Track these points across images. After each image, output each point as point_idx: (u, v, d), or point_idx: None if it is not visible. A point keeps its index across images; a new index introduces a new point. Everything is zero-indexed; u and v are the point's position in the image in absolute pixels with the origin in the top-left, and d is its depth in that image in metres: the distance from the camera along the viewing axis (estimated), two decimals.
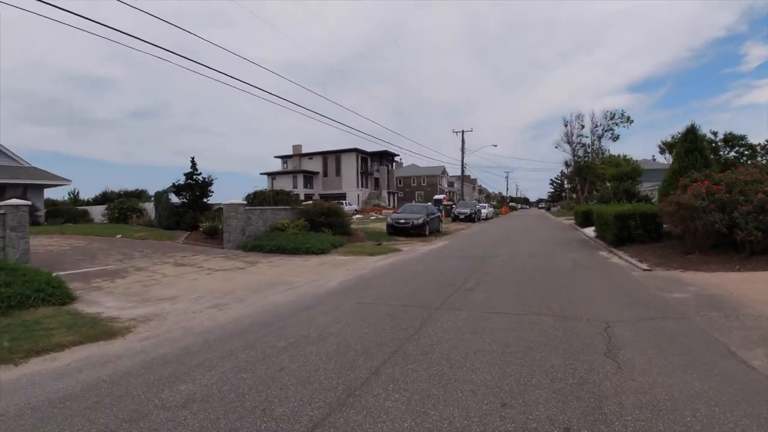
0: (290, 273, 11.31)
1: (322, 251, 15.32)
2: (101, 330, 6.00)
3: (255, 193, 20.45)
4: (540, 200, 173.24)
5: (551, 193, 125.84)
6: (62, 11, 10.81)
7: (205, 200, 24.88)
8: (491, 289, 8.59)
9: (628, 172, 37.01)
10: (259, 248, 16.01)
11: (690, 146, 15.93)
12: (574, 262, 12.55)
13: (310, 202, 21.41)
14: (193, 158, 24.96)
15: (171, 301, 8.08)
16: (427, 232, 22.75)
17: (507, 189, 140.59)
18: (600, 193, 64.73)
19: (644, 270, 10.99)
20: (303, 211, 20.15)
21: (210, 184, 25.50)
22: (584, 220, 26.10)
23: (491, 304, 7.25)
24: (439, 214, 26.81)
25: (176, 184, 24.95)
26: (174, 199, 25.30)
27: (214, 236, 18.73)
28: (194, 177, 25.15)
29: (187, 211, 24.42)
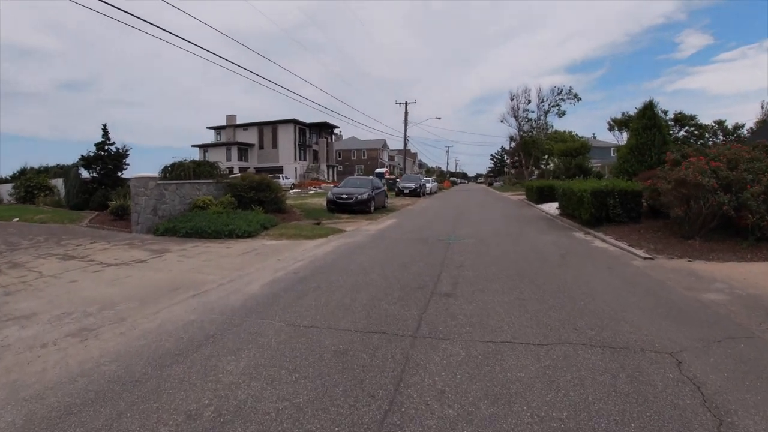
0: (203, 268, 8.63)
1: (249, 234, 12.64)
2: None
3: (173, 165, 17.26)
4: (479, 175, 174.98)
5: (491, 168, 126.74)
6: None
7: (119, 174, 21.42)
8: (478, 293, 6.29)
9: (576, 148, 36.08)
10: (173, 231, 13.14)
11: (648, 122, 15.50)
12: (556, 246, 10.55)
13: (238, 174, 18.45)
14: (104, 126, 21.37)
15: (23, 323, 5.46)
16: (372, 209, 20.40)
17: (447, 164, 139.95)
18: (548, 168, 64.74)
19: (645, 259, 9.19)
20: (230, 186, 17.24)
21: (125, 155, 21.96)
22: (539, 196, 24.56)
23: (492, 324, 4.96)
24: (384, 188, 24.47)
25: (85, 156, 21.28)
26: (86, 174, 21.75)
27: (123, 217, 15.64)
28: (106, 147, 21.54)
29: (97, 188, 20.90)
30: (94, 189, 20.81)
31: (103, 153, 21.39)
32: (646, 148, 15.38)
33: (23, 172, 33.53)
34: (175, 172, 17.00)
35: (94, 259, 9.77)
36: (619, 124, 45.58)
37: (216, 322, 5.22)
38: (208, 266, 8.78)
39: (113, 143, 21.65)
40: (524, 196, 32.34)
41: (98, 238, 13.07)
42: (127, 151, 22.14)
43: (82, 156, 21.30)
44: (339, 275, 7.52)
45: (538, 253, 9.65)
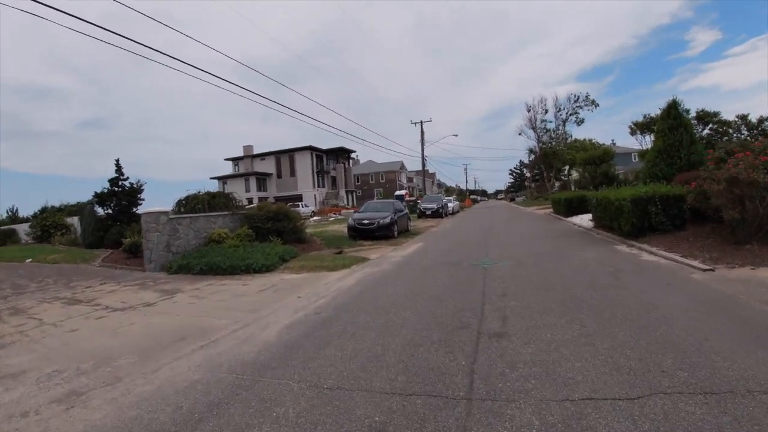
0: (215, 311, 7.80)
1: (267, 268, 11.83)
2: None
3: (187, 198, 16.69)
4: (498, 191, 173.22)
5: (511, 183, 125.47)
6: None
7: (134, 210, 21.01)
8: (533, 329, 5.31)
9: (599, 156, 34.96)
10: (188, 269, 12.42)
11: (674, 123, 14.94)
12: (602, 263, 9.50)
13: (254, 205, 17.78)
14: (117, 161, 21.11)
15: (8, 383, 4.85)
16: (395, 233, 19.48)
17: (466, 182, 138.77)
18: (570, 179, 63.29)
19: (704, 271, 8.21)
20: (246, 217, 16.56)
21: (139, 190, 21.63)
22: (568, 208, 23.44)
23: (562, 373, 3.97)
24: (406, 211, 23.55)
25: (99, 192, 20.97)
26: (102, 211, 21.40)
27: (138, 255, 15.03)
28: (120, 183, 21.23)
29: (112, 225, 20.48)
30: (109, 226, 20.39)
31: (117, 189, 21.05)
32: (674, 149, 14.76)
33: (43, 210, 33.53)
34: (189, 205, 16.41)
35: (100, 302, 9.13)
36: (641, 127, 44.15)
37: (223, 383, 4.34)
38: (221, 308, 7.95)
39: (127, 178, 21.33)
40: (550, 210, 31.18)
41: (109, 278, 12.46)
42: (141, 186, 21.78)
43: (96, 193, 21.00)
44: (366, 314, 6.60)
45: (586, 273, 8.62)
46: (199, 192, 16.91)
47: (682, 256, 9.53)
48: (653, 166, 15.38)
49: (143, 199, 21.79)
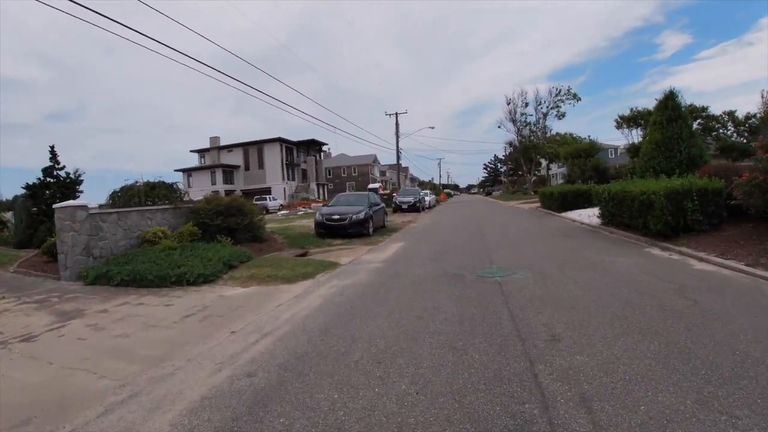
0: (106, 356, 5.03)
1: (205, 279, 8.99)
2: None
3: (122, 190, 13.69)
4: (470, 186, 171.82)
5: (485, 177, 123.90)
6: None
7: None
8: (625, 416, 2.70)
9: (585, 149, 32.94)
10: (107, 279, 9.49)
11: (672, 114, 14.43)
12: (653, 276, 6.98)
13: (202, 198, 14.81)
14: (52, 147, 17.61)
15: None
16: (371, 231, 16.75)
17: (440, 176, 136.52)
18: (549, 174, 61.57)
19: None
20: (192, 212, 13.62)
21: (78, 182, 18.17)
22: (562, 203, 21.12)
23: None
24: (382, 205, 20.81)
25: (31, 184, 17.55)
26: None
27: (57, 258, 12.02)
28: (54, 173, 17.87)
29: (44, 221, 17.20)
30: (40, 222, 17.10)
31: (50, 180, 17.72)
32: (674, 142, 14.15)
33: None
34: (124, 197, 13.41)
35: None
36: (627, 121, 42.29)
37: None
38: (118, 350, 5.18)
39: (63, 167, 17.92)
40: (537, 205, 28.94)
41: (14, 289, 9.54)
42: (79, 176, 18.35)
43: (27, 184, 17.57)
44: (331, 385, 3.85)
45: (644, 293, 6.06)
46: (137, 182, 13.91)
47: (747, 265, 7.36)
48: (650, 159, 14.61)
49: (81, 191, 18.51)
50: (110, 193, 13.84)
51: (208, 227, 12.96)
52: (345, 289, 7.68)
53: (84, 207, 10.79)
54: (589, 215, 16.71)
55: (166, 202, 13.75)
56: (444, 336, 4.83)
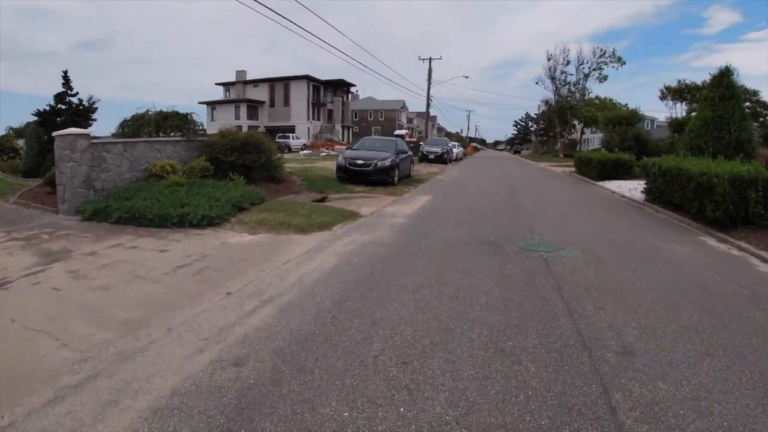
0: (79, 313, 4.23)
1: (210, 221, 8.09)
2: None
3: (133, 119, 12.71)
4: (498, 142, 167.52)
5: (514, 134, 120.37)
6: None
7: None
8: None
9: (626, 117, 30.81)
10: (105, 215, 8.62)
11: (726, 92, 13.47)
12: (718, 274, 5.84)
13: (216, 132, 13.74)
14: (65, 72, 16.42)
15: None
16: (395, 179, 15.66)
17: (468, 129, 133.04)
18: (583, 137, 59.09)
19: None
20: (206, 146, 12.63)
21: (91, 110, 17.17)
22: (600, 171, 19.64)
23: None
24: (410, 153, 19.58)
25: (42, 110, 16.56)
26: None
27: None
28: (67, 99, 16.86)
29: (51, 149, 16.32)
30: (49, 150, 16.27)
31: (62, 107, 16.74)
32: (724, 122, 13.24)
33: (20, 130, 28.78)
34: (134, 127, 12.45)
35: None
36: (673, 93, 39.50)
37: None
38: (91, 308, 4.34)
39: (76, 94, 16.87)
40: (569, 169, 27.40)
41: (9, 223, 8.80)
42: (93, 103, 17.36)
43: (37, 110, 16.62)
44: (341, 395, 2.89)
45: (711, 293, 4.98)
46: (148, 111, 12.87)
47: None
48: (696, 137, 13.69)
49: (95, 119, 17.52)
50: (120, 122, 12.90)
51: (221, 163, 12.00)
52: (365, 247, 6.71)
53: (85, 135, 9.82)
54: (630, 188, 15.33)
55: (180, 133, 12.77)
56: (487, 330, 3.83)
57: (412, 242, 7.02)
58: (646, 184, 13.22)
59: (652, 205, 12.21)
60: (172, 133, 12.72)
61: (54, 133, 10.15)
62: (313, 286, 4.88)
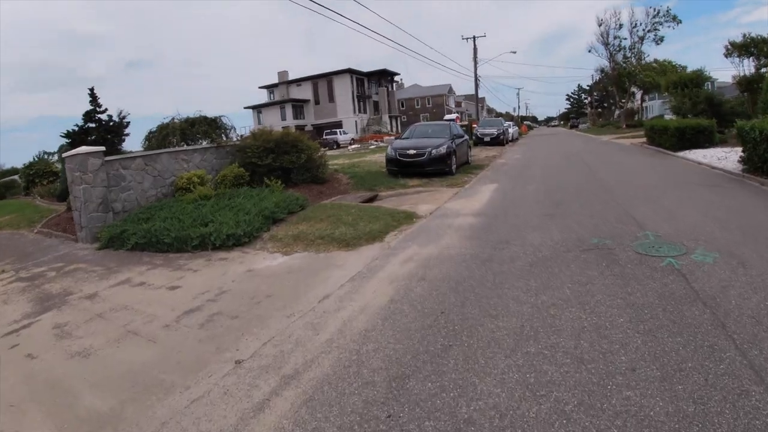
0: (41, 397, 2.94)
1: (238, 241, 6.70)
2: None
3: (158, 128, 11.62)
4: (550, 118, 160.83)
5: (568, 108, 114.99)
6: None
7: (120, 149, 15.95)
8: None
9: (691, 78, 27.62)
10: (121, 242, 7.47)
11: None
12: None
13: (248, 133, 12.40)
14: (92, 89, 15.71)
15: None
16: (454, 169, 13.90)
17: (518, 107, 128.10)
18: (642, 105, 54.82)
19: None
20: (239, 150, 11.34)
21: (122, 125, 16.39)
22: (680, 140, 17.08)
23: None
24: (466, 137, 17.65)
25: (70, 131, 15.78)
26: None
27: None
28: (96, 117, 16.05)
29: None
30: None
31: (91, 125, 15.93)
32: None
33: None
34: (159, 137, 11.35)
35: None
36: (738, 48, 35.14)
37: None
38: (56, 390, 3.11)
39: (105, 110, 16.07)
40: (638, 140, 24.63)
41: (23, 257, 7.88)
42: (124, 117, 16.53)
43: (67, 131, 15.85)
44: None
45: None
46: (173, 119, 11.72)
47: None
48: None
49: (128, 134, 16.70)
50: (147, 133, 11.84)
51: (257, 168, 10.72)
52: (428, 266, 5.06)
53: (97, 153, 8.66)
54: (718, 157, 12.89)
55: (209, 140, 11.55)
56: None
57: (490, 255, 5.30)
58: (743, 151, 10.83)
59: (754, 177, 9.82)
60: (200, 140, 11.55)
61: (63, 155, 9.10)
62: (358, 346, 3.31)
